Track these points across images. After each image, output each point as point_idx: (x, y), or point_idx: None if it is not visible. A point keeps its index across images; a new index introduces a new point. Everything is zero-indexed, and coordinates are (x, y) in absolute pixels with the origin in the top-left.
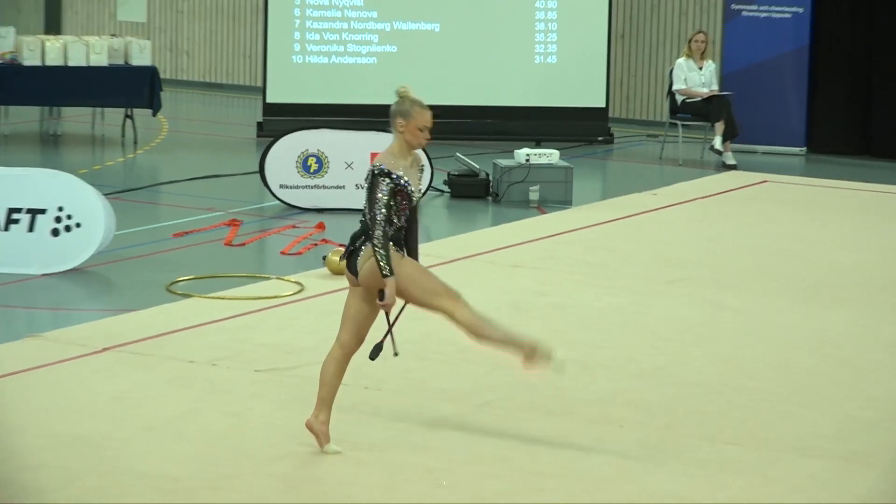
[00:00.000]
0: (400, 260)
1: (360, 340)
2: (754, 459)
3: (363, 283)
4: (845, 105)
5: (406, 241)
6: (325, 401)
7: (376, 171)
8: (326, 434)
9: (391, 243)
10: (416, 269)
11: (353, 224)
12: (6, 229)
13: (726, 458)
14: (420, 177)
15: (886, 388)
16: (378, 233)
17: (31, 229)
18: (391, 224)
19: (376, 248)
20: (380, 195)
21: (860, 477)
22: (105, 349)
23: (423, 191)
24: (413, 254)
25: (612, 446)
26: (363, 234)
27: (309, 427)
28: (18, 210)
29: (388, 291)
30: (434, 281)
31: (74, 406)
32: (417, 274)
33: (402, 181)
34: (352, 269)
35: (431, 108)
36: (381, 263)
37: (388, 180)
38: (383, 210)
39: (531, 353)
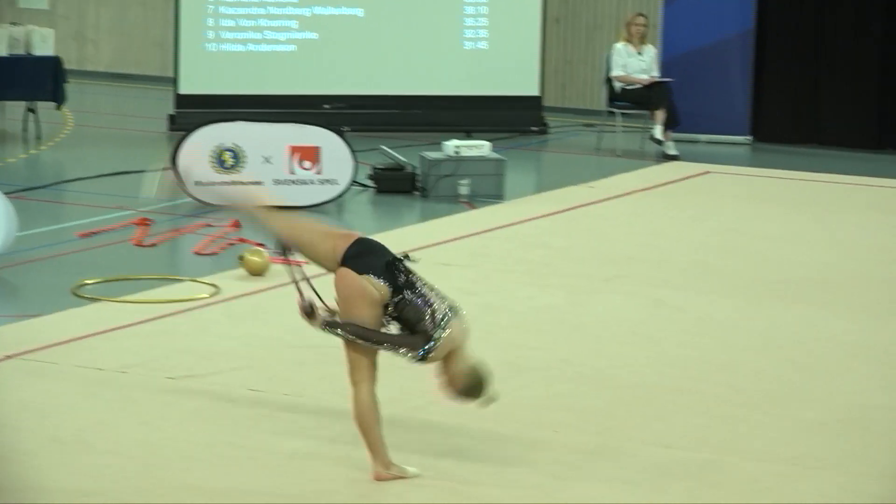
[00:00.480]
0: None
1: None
2: (696, 464)
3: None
4: (793, 91)
5: None
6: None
7: None
8: (398, 468)
9: None
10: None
11: None
12: None
13: (667, 463)
14: None
15: (833, 389)
16: None
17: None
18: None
19: None
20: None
21: (804, 480)
22: (7, 357)
23: None
24: None
25: (547, 453)
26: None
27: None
28: None
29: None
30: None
31: None
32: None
33: None
34: None
35: (351, 99)
36: None
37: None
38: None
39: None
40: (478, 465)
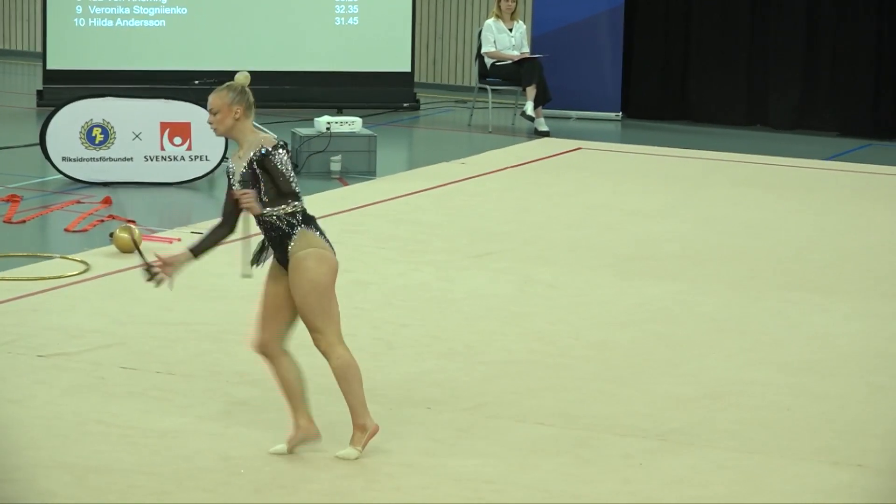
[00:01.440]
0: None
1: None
2: (567, 440)
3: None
4: (662, 68)
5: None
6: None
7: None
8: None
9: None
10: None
11: (144, 197)
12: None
13: (539, 439)
14: (241, 164)
15: (703, 365)
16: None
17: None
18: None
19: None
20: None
21: (675, 455)
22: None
23: (243, 177)
24: None
25: (418, 428)
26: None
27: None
28: None
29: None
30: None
31: None
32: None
33: (230, 174)
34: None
35: (222, 74)
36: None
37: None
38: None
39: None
40: (346, 442)
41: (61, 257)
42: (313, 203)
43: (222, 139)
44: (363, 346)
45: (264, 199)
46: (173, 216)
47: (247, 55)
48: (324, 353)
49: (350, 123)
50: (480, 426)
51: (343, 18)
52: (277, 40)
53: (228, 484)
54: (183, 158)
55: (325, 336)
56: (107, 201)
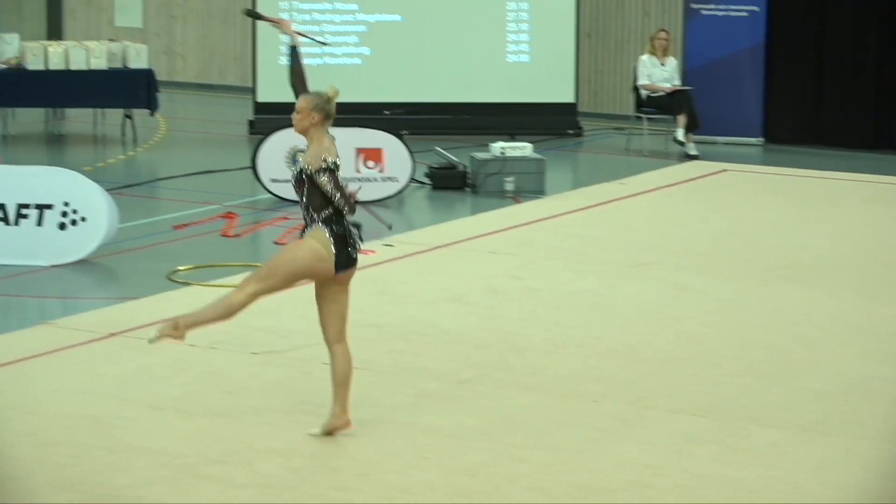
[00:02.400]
0: (316, 254)
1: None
2: (718, 430)
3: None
4: (799, 98)
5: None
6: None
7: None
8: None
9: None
10: (300, 267)
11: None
12: (16, 224)
13: (692, 429)
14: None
15: (839, 362)
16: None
17: (39, 223)
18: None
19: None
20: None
21: (816, 445)
22: (111, 335)
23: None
24: None
25: (585, 419)
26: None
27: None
28: (27, 206)
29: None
30: (277, 279)
31: (84, 388)
32: (293, 269)
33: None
34: (351, 262)
35: (409, 105)
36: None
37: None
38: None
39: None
40: (525, 430)
41: None
42: (490, 219)
43: (410, 163)
44: (535, 345)
45: (305, 199)
46: (368, 230)
47: (431, 89)
48: (240, 286)
49: (522, 148)
50: (640, 417)
51: (515, 56)
52: (457, 75)
53: (418, 467)
54: (376, 179)
55: (252, 280)
56: None
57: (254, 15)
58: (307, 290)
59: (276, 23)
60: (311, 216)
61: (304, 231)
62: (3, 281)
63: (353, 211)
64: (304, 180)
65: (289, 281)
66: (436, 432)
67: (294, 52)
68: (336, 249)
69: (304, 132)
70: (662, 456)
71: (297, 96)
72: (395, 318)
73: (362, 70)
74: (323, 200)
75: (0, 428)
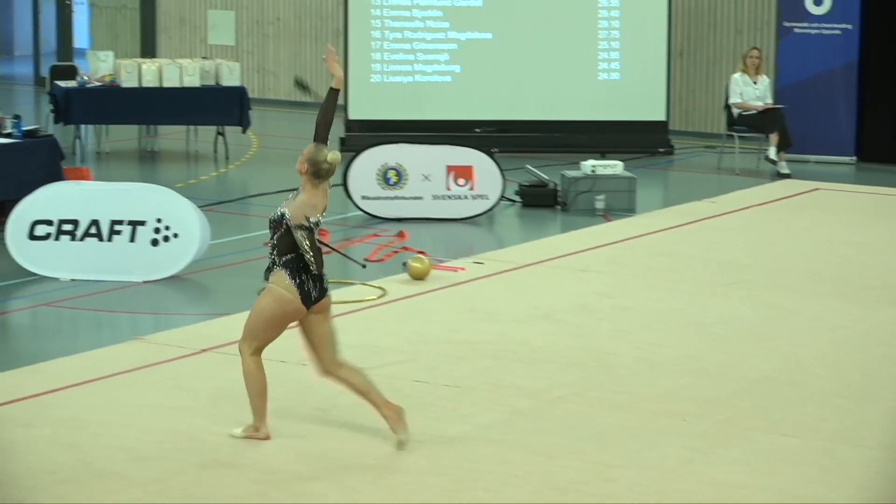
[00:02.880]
0: (283, 303)
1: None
2: (809, 450)
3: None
4: (893, 116)
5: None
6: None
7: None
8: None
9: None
10: (275, 314)
11: (432, 231)
12: (109, 240)
13: (783, 449)
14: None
15: None
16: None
17: (132, 240)
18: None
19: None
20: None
21: None
22: (203, 350)
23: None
24: None
25: (676, 438)
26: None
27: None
28: (120, 222)
29: None
30: (266, 332)
31: (175, 404)
32: (271, 318)
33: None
34: (321, 294)
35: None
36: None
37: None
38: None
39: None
40: (615, 449)
41: (361, 283)
42: (580, 237)
43: (500, 181)
44: (625, 364)
45: (274, 240)
46: (458, 248)
47: (522, 107)
48: (240, 352)
49: (612, 166)
50: (731, 436)
51: (606, 74)
52: (548, 93)
53: (507, 485)
54: (466, 197)
55: (243, 343)
56: (401, 235)
57: (302, 84)
58: (398, 306)
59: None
60: (275, 259)
61: (267, 271)
62: (97, 296)
63: (320, 270)
64: (281, 224)
65: (271, 330)
66: (526, 450)
67: (332, 95)
68: (297, 287)
69: (300, 175)
70: (754, 476)
71: (316, 131)
72: (486, 335)
73: (453, 88)
74: (291, 247)
75: (93, 442)
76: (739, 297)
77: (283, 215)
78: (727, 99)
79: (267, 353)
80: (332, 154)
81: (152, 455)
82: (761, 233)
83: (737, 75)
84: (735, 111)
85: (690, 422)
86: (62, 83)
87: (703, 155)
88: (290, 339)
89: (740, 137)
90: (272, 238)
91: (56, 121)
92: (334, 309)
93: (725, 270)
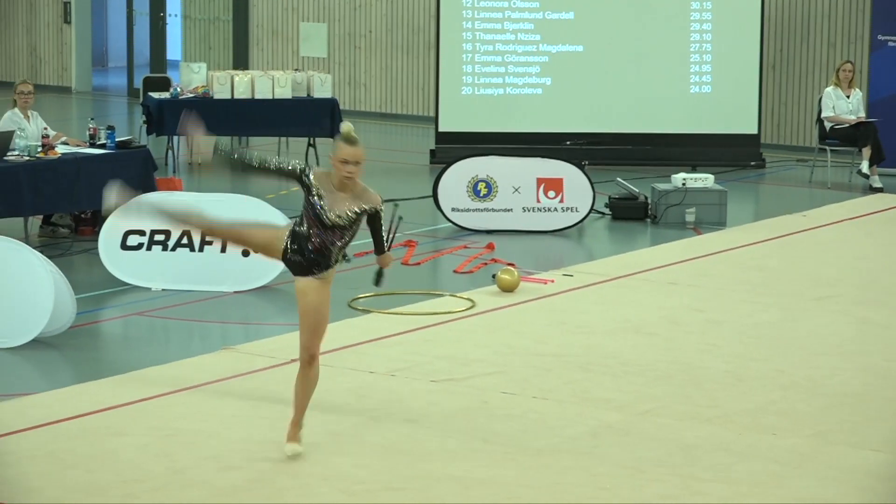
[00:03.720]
0: (319, 286)
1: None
2: None
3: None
4: None
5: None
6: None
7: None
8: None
9: (294, 235)
10: (323, 305)
11: (522, 244)
12: (201, 250)
13: (874, 465)
14: (349, 207)
15: None
16: (258, 155)
17: (223, 250)
18: (266, 169)
19: (251, 156)
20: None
21: None
22: (292, 360)
23: (349, 219)
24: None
25: (765, 453)
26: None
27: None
28: None
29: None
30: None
31: (264, 413)
32: (323, 311)
33: (314, 188)
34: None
35: (590, 136)
36: (232, 152)
37: (301, 166)
38: (279, 163)
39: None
40: (704, 463)
41: (451, 295)
42: (670, 250)
43: (590, 193)
44: (715, 378)
45: (346, 237)
46: (548, 260)
47: (612, 119)
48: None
49: (703, 179)
50: (820, 452)
51: (698, 87)
52: (639, 106)
53: (595, 498)
54: (556, 210)
55: (317, 348)
56: (490, 247)
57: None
58: (487, 318)
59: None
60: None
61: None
62: (188, 306)
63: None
64: (359, 221)
65: (324, 318)
66: (614, 463)
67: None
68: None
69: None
70: (844, 491)
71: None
72: (575, 348)
73: (543, 100)
74: (375, 238)
75: (184, 451)
76: (831, 311)
77: (363, 211)
78: (819, 112)
79: (354, 363)
80: (346, 125)
81: (241, 465)
82: (853, 247)
83: (829, 89)
84: (827, 125)
85: (780, 436)
86: (155, 94)
87: (794, 168)
88: (381, 348)
89: (832, 151)
90: (343, 239)
91: (149, 132)
92: (423, 320)
93: (817, 284)
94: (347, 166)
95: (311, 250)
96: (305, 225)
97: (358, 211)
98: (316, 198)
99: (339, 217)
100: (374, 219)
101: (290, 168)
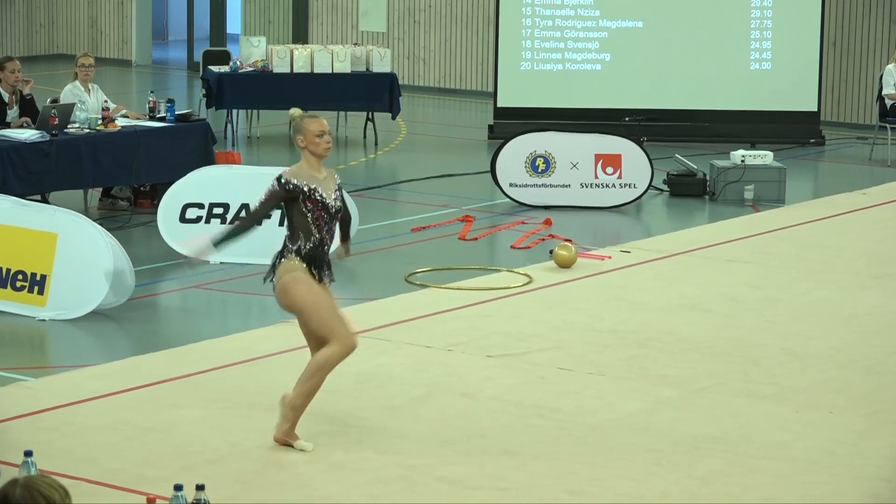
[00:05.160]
0: (311, 283)
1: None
2: None
3: (278, 301)
4: None
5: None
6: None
7: (274, 177)
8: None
9: (311, 260)
10: (318, 297)
11: (579, 220)
12: (259, 224)
13: None
14: (335, 188)
15: None
16: (245, 214)
17: (281, 224)
18: (258, 216)
19: (236, 224)
20: (264, 194)
21: None
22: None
23: (340, 197)
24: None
25: (821, 431)
26: (280, 252)
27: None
28: None
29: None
30: (332, 315)
31: (322, 387)
32: (319, 303)
33: (305, 187)
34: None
35: (648, 112)
36: (222, 237)
37: (275, 183)
38: (260, 202)
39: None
40: (760, 440)
41: (508, 271)
42: (728, 227)
43: (648, 169)
44: (772, 355)
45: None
46: (605, 236)
47: (671, 95)
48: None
49: (762, 157)
50: (877, 430)
51: (758, 63)
52: (697, 82)
53: (652, 475)
54: (614, 186)
55: (334, 340)
56: (547, 222)
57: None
58: (544, 294)
59: None
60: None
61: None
62: (245, 279)
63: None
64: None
65: (326, 304)
66: (670, 440)
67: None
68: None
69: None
70: None
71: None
72: (632, 324)
73: (602, 76)
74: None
75: (241, 424)
76: (890, 289)
77: (339, 188)
78: (880, 90)
79: (412, 338)
80: (291, 111)
81: (301, 436)
82: None
83: (891, 66)
84: (888, 102)
85: (837, 414)
86: (215, 68)
87: (854, 146)
88: (438, 323)
89: (893, 129)
90: (332, 226)
91: (208, 105)
92: (480, 295)
93: (876, 262)
94: (325, 137)
95: (326, 252)
96: (314, 235)
97: (340, 186)
98: (310, 195)
99: (336, 199)
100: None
101: (270, 192)
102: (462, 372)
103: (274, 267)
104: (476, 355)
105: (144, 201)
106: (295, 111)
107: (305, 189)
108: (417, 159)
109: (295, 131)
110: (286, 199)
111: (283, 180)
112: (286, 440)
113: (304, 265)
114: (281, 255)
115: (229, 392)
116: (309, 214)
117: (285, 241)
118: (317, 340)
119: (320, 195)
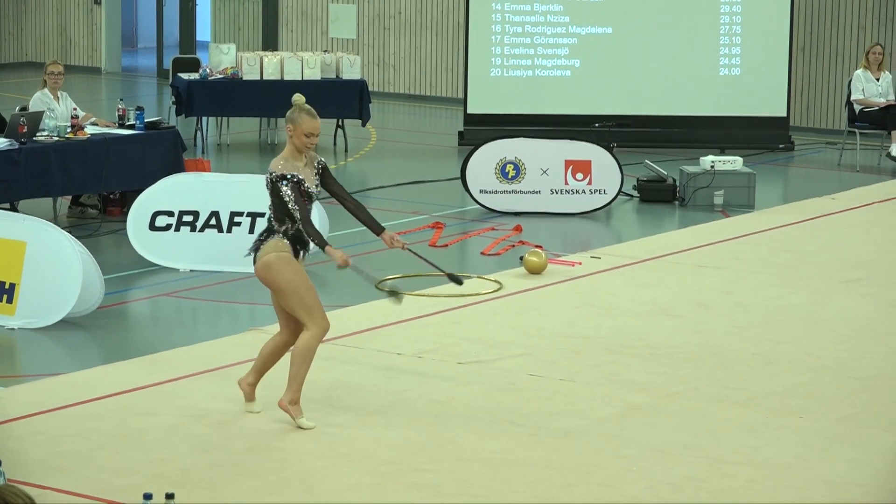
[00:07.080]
0: (296, 266)
1: (285, 327)
2: None
3: (257, 273)
4: None
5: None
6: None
7: (275, 178)
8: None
9: (296, 240)
10: (301, 279)
11: (549, 226)
12: (229, 231)
13: None
14: (315, 174)
15: None
16: (303, 220)
17: (251, 231)
18: (307, 214)
19: (309, 233)
20: (286, 198)
21: None
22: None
23: (318, 186)
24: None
25: (792, 435)
26: (267, 231)
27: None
28: (240, 213)
29: (334, 255)
30: (311, 297)
31: None
32: (301, 284)
33: (298, 178)
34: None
35: (618, 118)
36: (316, 241)
37: (286, 181)
38: (295, 206)
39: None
40: (732, 445)
41: (478, 277)
42: (699, 232)
43: (618, 176)
44: (743, 360)
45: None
46: (575, 242)
47: (641, 101)
48: (307, 331)
49: (732, 162)
50: (849, 435)
51: (727, 69)
52: (667, 88)
53: (623, 480)
54: (584, 192)
55: (310, 323)
56: (518, 229)
57: (396, 295)
58: (515, 300)
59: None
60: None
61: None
62: (216, 287)
63: (305, 217)
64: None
65: (307, 286)
66: (642, 445)
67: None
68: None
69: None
70: (872, 475)
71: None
72: (603, 330)
73: (572, 82)
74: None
75: (212, 432)
76: (859, 294)
77: (318, 172)
78: (849, 95)
79: (382, 345)
80: (295, 96)
81: (270, 445)
82: (882, 230)
83: (859, 71)
84: (856, 107)
85: (808, 419)
86: (184, 75)
87: (823, 151)
88: (409, 330)
89: (861, 134)
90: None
91: (178, 112)
92: (451, 302)
93: (845, 267)
94: (311, 139)
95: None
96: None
97: (319, 172)
98: (302, 182)
99: (316, 185)
100: (327, 174)
101: (291, 189)
102: (434, 378)
103: (261, 243)
104: (447, 362)
105: (114, 209)
106: (299, 97)
107: (303, 180)
108: (387, 166)
109: (289, 119)
110: (295, 188)
111: (288, 176)
112: (287, 409)
113: (290, 244)
114: (268, 234)
115: (200, 400)
116: (298, 200)
117: (270, 222)
118: (287, 316)
119: (305, 184)
